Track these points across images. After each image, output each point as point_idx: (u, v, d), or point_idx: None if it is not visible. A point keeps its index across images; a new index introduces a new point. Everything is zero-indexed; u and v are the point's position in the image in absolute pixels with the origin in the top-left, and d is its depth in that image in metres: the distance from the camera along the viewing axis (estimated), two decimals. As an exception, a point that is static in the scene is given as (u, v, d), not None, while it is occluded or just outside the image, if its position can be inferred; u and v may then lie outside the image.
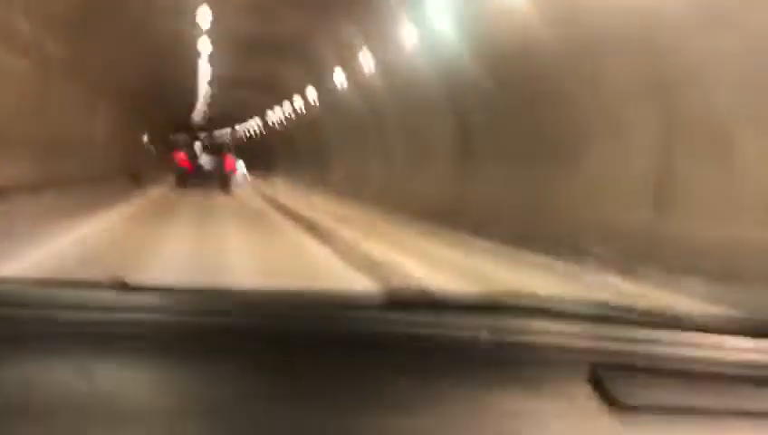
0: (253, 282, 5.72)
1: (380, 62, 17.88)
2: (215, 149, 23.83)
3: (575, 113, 10.09)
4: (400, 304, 1.18)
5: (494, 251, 8.75)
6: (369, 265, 7.44)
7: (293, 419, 0.82)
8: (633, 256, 6.77)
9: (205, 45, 21.33)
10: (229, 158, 23.10)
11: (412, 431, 0.84)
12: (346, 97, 22.97)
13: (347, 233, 9.62)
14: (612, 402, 0.90)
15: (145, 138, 28.24)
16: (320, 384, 0.89)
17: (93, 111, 15.73)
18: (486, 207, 12.70)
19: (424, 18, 13.84)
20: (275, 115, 37.22)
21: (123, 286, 1.11)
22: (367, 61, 18.07)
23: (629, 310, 1.28)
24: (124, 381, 0.87)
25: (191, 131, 45.43)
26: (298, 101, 29.70)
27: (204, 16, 17.55)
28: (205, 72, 26.49)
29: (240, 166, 45.15)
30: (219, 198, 19.06)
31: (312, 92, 26.55)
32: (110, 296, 1.08)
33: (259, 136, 48.50)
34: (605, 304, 1.30)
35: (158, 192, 18.98)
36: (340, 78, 21.74)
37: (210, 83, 29.94)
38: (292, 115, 32.93)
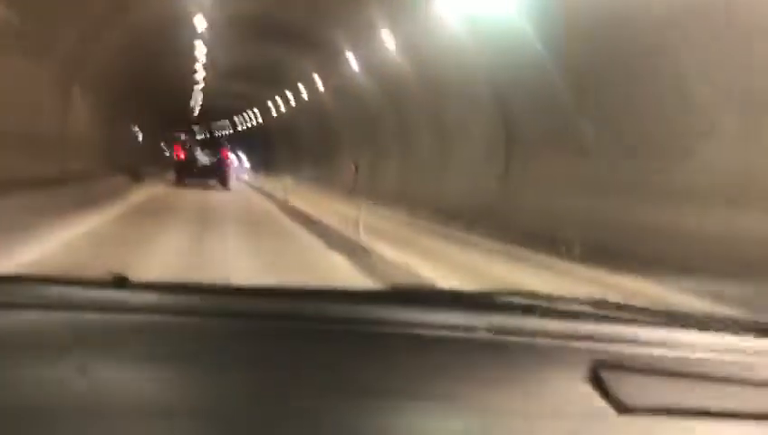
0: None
1: (406, 43, 15.41)
2: (212, 143, 23.28)
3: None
4: (400, 299, 1.25)
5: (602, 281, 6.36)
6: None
7: (294, 414, 0.80)
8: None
9: (201, 24, 18.94)
10: (226, 152, 22.43)
11: (410, 428, 0.82)
12: (359, 84, 20.52)
13: (387, 251, 7.23)
14: (612, 401, 0.88)
15: (135, 130, 25.79)
16: (320, 380, 0.88)
17: (66, 98, 13.26)
18: (552, 215, 10.29)
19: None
20: (277, 106, 34.71)
21: (123, 283, 1.12)
22: (387, 41, 15.59)
23: (630, 309, 1.32)
24: (124, 380, 0.85)
25: (187, 124, 43.40)
26: (302, 90, 27.22)
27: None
28: (201, 56, 24.00)
29: (242, 159, 43.29)
30: (217, 197, 16.63)
31: (317, 80, 24.08)
32: (110, 293, 1.09)
33: (259, 128, 46.02)
34: (605, 303, 1.32)
35: (143, 195, 15.68)
36: (352, 63, 19.27)
37: (206, 70, 27.46)
38: (296, 106, 30.46)
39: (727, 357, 1.06)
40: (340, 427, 0.80)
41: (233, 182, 23.70)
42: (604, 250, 7.83)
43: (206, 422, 0.78)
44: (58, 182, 10.36)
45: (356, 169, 25.92)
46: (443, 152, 16.15)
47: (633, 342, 1.07)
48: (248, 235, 9.83)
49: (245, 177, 32.00)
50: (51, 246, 7.08)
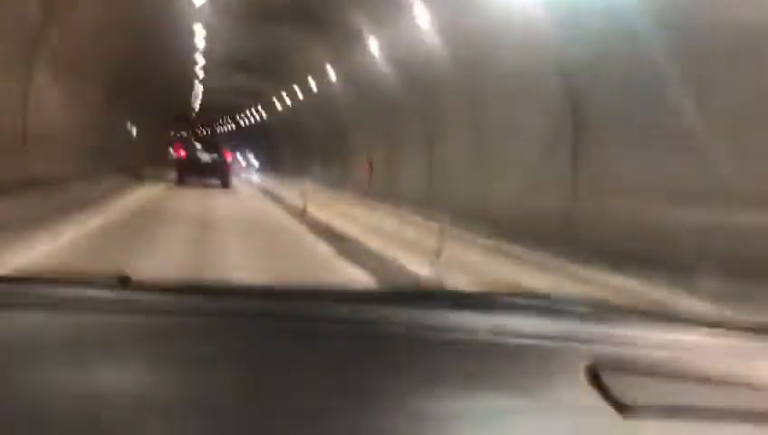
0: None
1: (443, 20, 12.87)
2: (213, 142, 22.77)
3: None
4: (401, 300, 1.25)
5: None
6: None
7: (296, 414, 0.80)
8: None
9: (202, 13, 16.53)
10: (228, 152, 21.67)
11: (410, 428, 0.81)
12: (378, 71, 17.97)
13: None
14: (612, 402, 0.88)
15: (131, 128, 23.31)
16: (321, 380, 0.88)
17: (25, 85, 10.73)
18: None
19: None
20: (284, 101, 32.15)
21: (126, 283, 1.12)
22: (419, 17, 13.05)
23: (629, 310, 1.33)
24: (126, 379, 0.85)
25: (188, 122, 41.14)
26: (311, 82, 24.70)
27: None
28: (201, 42, 21.51)
29: (250, 159, 40.66)
30: (223, 207, 13.99)
31: (330, 72, 21.53)
32: (113, 293, 1.09)
33: (262, 125, 43.54)
34: (605, 303, 1.37)
35: (129, 204, 12.37)
36: (372, 47, 16.74)
37: (206, 58, 24.99)
38: (303, 99, 27.94)
39: (726, 358, 1.06)
40: (341, 427, 0.79)
41: (240, 185, 21.44)
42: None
43: (208, 422, 0.78)
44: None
45: (371, 167, 23.39)
46: (485, 148, 13.63)
47: (632, 343, 1.07)
48: (271, 270, 6.40)
49: (254, 178, 28.99)
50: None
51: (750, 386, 0.97)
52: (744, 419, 0.90)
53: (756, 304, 4.50)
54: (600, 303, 1.35)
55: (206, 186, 19.73)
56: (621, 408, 0.87)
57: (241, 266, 6.44)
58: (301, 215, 10.96)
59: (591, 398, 0.89)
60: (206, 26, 19.51)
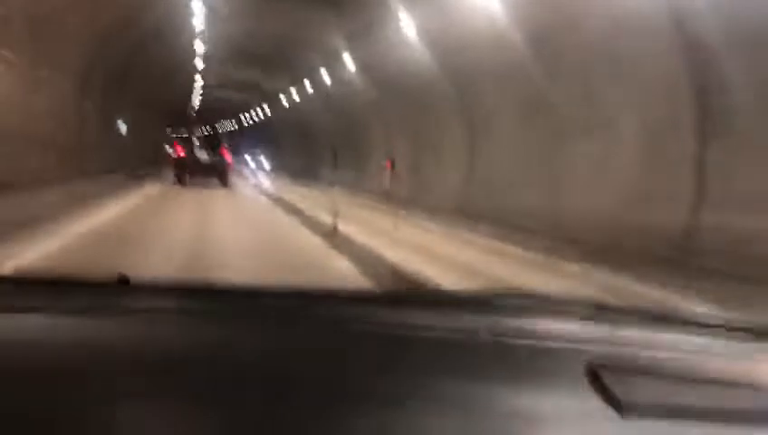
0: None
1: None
2: (213, 142, 21.98)
3: None
4: (399, 300, 1.27)
5: None
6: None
7: (293, 416, 0.80)
8: None
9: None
10: (227, 151, 21.17)
11: (410, 429, 0.82)
12: (409, 60, 15.34)
13: None
14: (612, 402, 0.87)
15: (120, 125, 20.62)
16: (320, 381, 0.87)
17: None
18: None
19: None
20: (292, 96, 29.51)
21: (127, 284, 1.12)
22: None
23: (629, 311, 1.32)
24: (126, 380, 0.85)
25: (188, 121, 38.69)
26: (323, 73, 22.09)
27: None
28: (199, 26, 18.88)
29: (261, 161, 37.01)
30: (223, 219, 11.06)
31: (347, 60, 18.91)
32: (113, 294, 1.10)
33: (267, 123, 40.98)
34: (605, 305, 1.31)
35: (98, 222, 9.26)
36: (404, 25, 14.11)
37: (207, 51, 22.39)
38: (313, 93, 25.34)
39: (726, 359, 1.06)
40: (341, 428, 0.79)
41: (245, 189, 19.03)
42: None
43: (208, 422, 0.78)
44: None
45: (392, 166, 20.70)
46: (553, 147, 10.98)
47: (632, 343, 1.06)
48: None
49: (266, 182, 24.38)
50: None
51: (751, 387, 0.96)
52: (745, 420, 0.89)
53: None
54: (599, 304, 1.30)
55: (205, 191, 16.94)
56: (622, 409, 0.86)
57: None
58: (330, 235, 8.17)
59: (591, 399, 0.88)
60: (207, 6, 16.91)
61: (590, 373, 0.92)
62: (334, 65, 20.39)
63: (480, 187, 13.98)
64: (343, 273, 6.35)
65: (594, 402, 0.88)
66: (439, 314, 1.15)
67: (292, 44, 21.23)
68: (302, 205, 13.04)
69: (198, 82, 30.44)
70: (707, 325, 1.23)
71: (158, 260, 6.41)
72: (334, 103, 23.91)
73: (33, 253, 6.31)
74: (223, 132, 25.55)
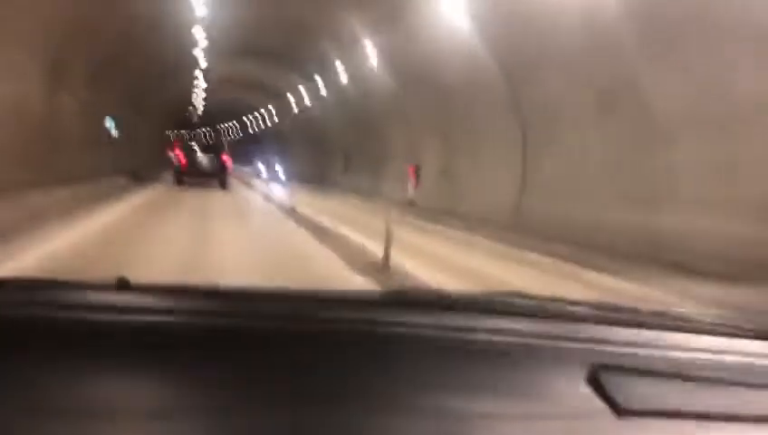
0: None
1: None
2: (213, 146, 21.59)
3: None
4: (401, 303, 1.23)
5: None
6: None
7: (293, 418, 0.80)
8: None
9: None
10: (226, 157, 20.87)
11: (409, 430, 0.81)
12: (445, 45, 12.99)
13: None
14: (612, 404, 0.87)
15: (108, 124, 18.22)
16: (319, 383, 0.87)
17: None
18: None
19: None
20: (300, 94, 27.21)
21: (126, 286, 1.11)
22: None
23: (628, 311, 1.30)
24: (124, 382, 0.84)
25: (189, 123, 36.62)
26: (341, 69, 19.79)
27: None
28: (200, 15, 16.55)
29: (275, 168, 32.88)
30: (231, 248, 7.95)
31: (368, 49, 16.57)
32: (112, 296, 1.08)
33: (275, 126, 38.78)
34: (604, 306, 1.32)
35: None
36: (444, 5, 11.81)
37: (209, 44, 20.09)
38: (327, 95, 23.04)
39: (726, 359, 1.05)
40: (340, 429, 0.79)
41: (257, 200, 16.62)
42: None
43: (207, 424, 0.77)
44: None
45: (416, 173, 18.33)
46: (642, 142, 8.62)
47: (632, 344, 1.05)
48: None
49: (282, 193, 19.62)
50: None
51: (749, 388, 0.95)
52: (743, 421, 0.89)
53: None
54: (599, 304, 1.31)
55: (211, 206, 14.22)
56: (621, 410, 0.86)
57: None
58: (376, 269, 5.51)
59: (591, 400, 0.88)
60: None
61: (590, 374, 0.91)
62: (350, 57, 18.05)
63: (539, 195, 11.59)
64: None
65: (593, 403, 0.87)
66: (438, 315, 1.13)
67: (301, 33, 18.89)
68: (326, 221, 10.57)
69: (200, 79, 28.11)
70: (706, 325, 1.22)
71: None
72: (348, 100, 21.57)
73: None
74: (220, 141, 24.00)
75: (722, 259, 6.92)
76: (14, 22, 8.98)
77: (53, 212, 8.62)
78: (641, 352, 1.03)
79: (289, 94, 28.68)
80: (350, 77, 19.46)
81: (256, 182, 27.04)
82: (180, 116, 36.38)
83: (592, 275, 6.90)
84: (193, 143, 21.53)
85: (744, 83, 6.93)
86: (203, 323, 1.00)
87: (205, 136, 31.75)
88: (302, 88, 25.98)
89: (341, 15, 16.14)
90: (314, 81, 23.32)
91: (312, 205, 14.06)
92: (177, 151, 20.58)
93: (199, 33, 18.69)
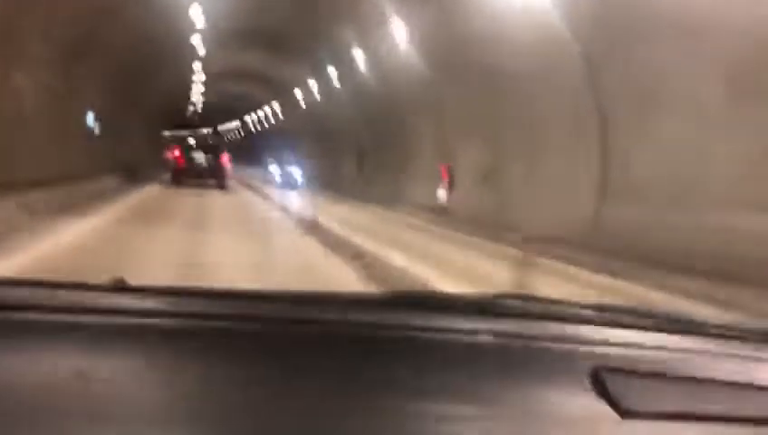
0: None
1: None
2: (211, 145, 21.66)
3: None
4: (402, 304, 1.20)
5: None
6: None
7: (293, 420, 0.79)
8: None
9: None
10: (225, 157, 20.77)
11: (411, 431, 0.81)
12: (487, 17, 10.45)
13: None
14: (614, 406, 0.86)
15: (90, 120, 15.70)
16: (320, 385, 0.86)
17: None
18: None
19: None
20: (307, 86, 24.86)
21: (123, 287, 1.09)
22: None
23: (631, 313, 1.29)
24: (123, 384, 0.83)
25: (187, 125, 35.30)
26: (359, 53, 17.40)
27: None
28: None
29: (291, 171, 29.52)
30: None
31: (397, 28, 14.09)
32: (109, 297, 1.06)
33: (279, 123, 36.44)
34: (607, 307, 1.31)
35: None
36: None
37: (207, 33, 17.81)
38: (341, 86, 20.73)
39: (728, 361, 1.04)
40: (341, 430, 0.78)
41: (271, 212, 14.21)
42: None
43: (206, 426, 0.77)
44: None
45: (450, 176, 15.74)
46: None
47: (635, 346, 1.04)
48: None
49: (294, 201, 16.80)
50: None
51: (752, 388, 0.95)
52: (745, 423, 0.88)
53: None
54: (601, 306, 1.27)
55: (210, 209, 11.60)
56: (623, 412, 0.85)
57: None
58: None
59: (594, 401, 0.87)
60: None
61: (593, 376, 0.91)
62: (368, 42, 15.56)
63: (621, 203, 9.06)
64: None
65: (597, 405, 0.86)
66: (441, 316, 1.10)
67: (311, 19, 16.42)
68: (360, 241, 8.02)
69: (198, 70, 25.78)
70: (708, 327, 1.20)
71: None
72: (365, 90, 19.11)
73: None
74: (218, 141, 25.22)
75: None
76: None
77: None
78: (644, 353, 1.01)
79: (295, 88, 26.23)
80: (371, 63, 17.00)
81: (267, 189, 21.98)
82: (179, 114, 34.39)
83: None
84: (191, 140, 21.64)
85: None
86: (202, 325, 0.98)
87: (204, 138, 30.33)
88: (311, 80, 23.56)
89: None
90: (324, 69, 20.94)
91: (337, 215, 11.46)
92: (175, 151, 20.49)
93: (197, 16, 16.28)
